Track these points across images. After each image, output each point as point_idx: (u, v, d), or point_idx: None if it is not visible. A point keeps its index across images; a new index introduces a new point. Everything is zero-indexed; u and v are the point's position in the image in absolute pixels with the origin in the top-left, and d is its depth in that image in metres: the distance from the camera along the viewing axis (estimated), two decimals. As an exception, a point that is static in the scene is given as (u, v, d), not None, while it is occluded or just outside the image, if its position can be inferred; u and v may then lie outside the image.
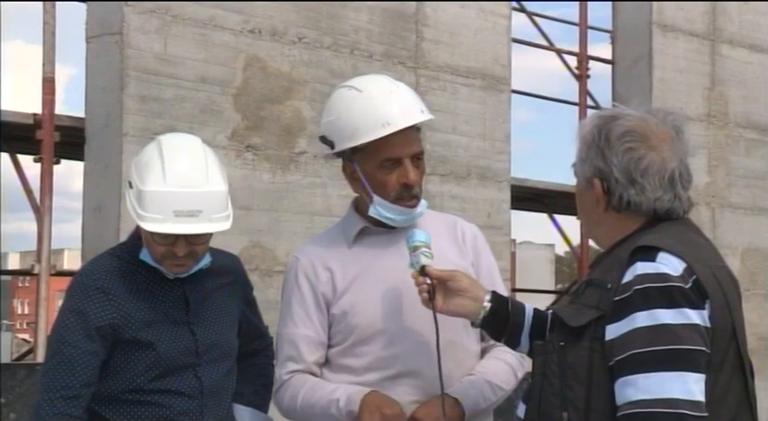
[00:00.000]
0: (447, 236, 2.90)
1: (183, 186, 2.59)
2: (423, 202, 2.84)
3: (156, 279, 2.74)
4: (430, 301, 2.54)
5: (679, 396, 2.05)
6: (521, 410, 2.31)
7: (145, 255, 2.72)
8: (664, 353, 2.06)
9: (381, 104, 2.74)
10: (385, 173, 2.76)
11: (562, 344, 2.15)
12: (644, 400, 2.05)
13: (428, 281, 2.56)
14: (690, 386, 2.06)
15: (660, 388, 2.05)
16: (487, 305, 2.53)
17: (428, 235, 2.66)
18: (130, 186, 2.68)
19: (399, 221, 2.80)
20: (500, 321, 2.54)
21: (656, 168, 2.21)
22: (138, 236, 2.77)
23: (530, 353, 2.43)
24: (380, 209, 2.78)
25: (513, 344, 2.58)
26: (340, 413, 2.69)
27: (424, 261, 2.59)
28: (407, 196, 2.77)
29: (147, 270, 2.74)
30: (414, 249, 2.62)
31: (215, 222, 2.62)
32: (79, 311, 2.66)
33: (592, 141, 2.25)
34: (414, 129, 2.78)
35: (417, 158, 2.78)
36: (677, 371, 2.06)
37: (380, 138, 2.71)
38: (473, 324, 2.59)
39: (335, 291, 2.79)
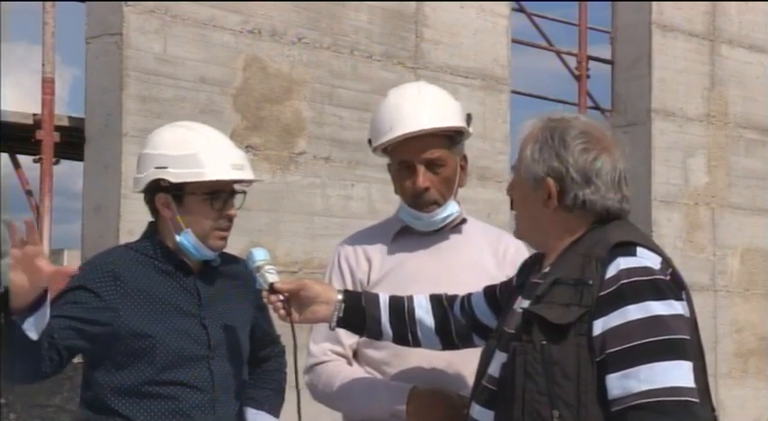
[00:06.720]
0: (488, 247, 2.97)
1: (230, 144, 2.83)
2: (450, 209, 2.88)
3: (170, 271, 2.78)
4: (287, 316, 2.62)
5: (682, 384, 2.09)
6: (481, 414, 2.31)
7: (185, 237, 2.74)
8: (661, 343, 2.09)
9: (393, 110, 2.83)
10: (403, 176, 2.86)
11: (544, 342, 2.15)
12: (650, 390, 2.07)
13: (280, 297, 2.62)
14: (687, 374, 2.11)
15: (664, 377, 2.08)
16: (341, 305, 2.64)
17: (266, 251, 2.72)
18: (162, 165, 2.73)
19: (418, 225, 2.89)
20: (356, 317, 2.66)
21: (608, 169, 2.27)
22: (151, 234, 2.81)
23: (484, 352, 2.43)
24: (403, 211, 2.90)
25: (376, 336, 2.70)
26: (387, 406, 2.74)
27: (270, 279, 2.65)
28: (421, 202, 2.84)
29: (160, 262, 2.77)
30: (257, 270, 2.68)
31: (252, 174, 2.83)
32: (83, 287, 2.70)
33: (545, 142, 2.28)
34: (436, 136, 2.81)
35: (437, 165, 2.82)
36: (675, 360, 2.10)
37: (399, 143, 2.80)
38: (330, 327, 2.68)
39: (369, 281, 2.89)
